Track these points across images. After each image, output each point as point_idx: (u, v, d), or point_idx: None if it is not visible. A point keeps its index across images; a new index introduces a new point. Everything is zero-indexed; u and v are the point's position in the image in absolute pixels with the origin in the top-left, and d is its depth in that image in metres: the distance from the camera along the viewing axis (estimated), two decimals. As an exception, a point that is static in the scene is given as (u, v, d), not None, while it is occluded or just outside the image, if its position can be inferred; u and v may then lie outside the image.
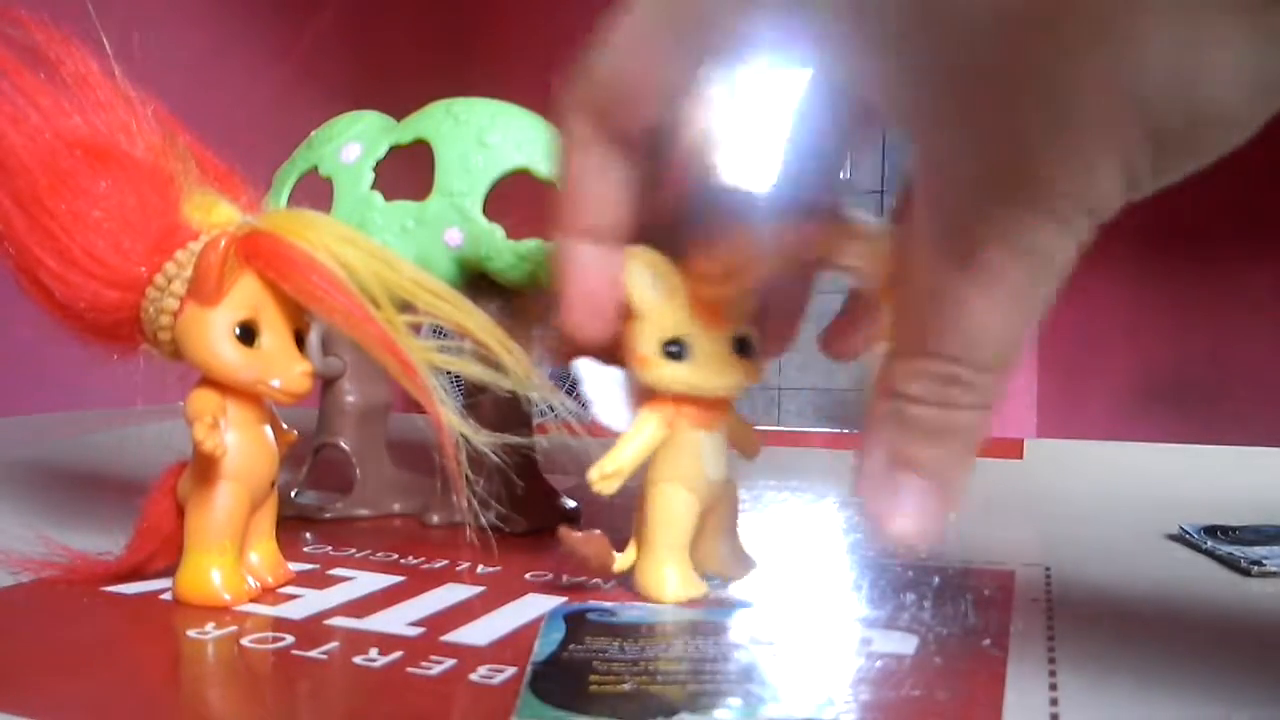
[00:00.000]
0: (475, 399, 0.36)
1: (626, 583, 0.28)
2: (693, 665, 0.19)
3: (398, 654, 0.22)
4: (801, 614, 0.26)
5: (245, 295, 0.25)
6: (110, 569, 0.27)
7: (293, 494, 0.38)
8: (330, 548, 0.32)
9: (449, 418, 0.23)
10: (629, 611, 0.23)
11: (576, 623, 0.22)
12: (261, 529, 0.27)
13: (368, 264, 0.24)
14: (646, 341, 0.25)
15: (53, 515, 0.37)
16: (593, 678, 0.19)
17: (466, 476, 0.23)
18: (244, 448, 0.26)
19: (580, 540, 0.26)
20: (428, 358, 0.23)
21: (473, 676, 0.20)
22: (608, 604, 0.25)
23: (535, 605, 0.26)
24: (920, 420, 0.20)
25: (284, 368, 0.25)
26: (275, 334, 0.25)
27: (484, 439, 0.23)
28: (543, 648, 0.20)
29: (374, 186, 0.37)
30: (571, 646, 0.20)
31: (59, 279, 0.24)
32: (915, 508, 0.20)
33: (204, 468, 0.25)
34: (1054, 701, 0.20)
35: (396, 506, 0.38)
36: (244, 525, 0.26)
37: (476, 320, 0.24)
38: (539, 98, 0.43)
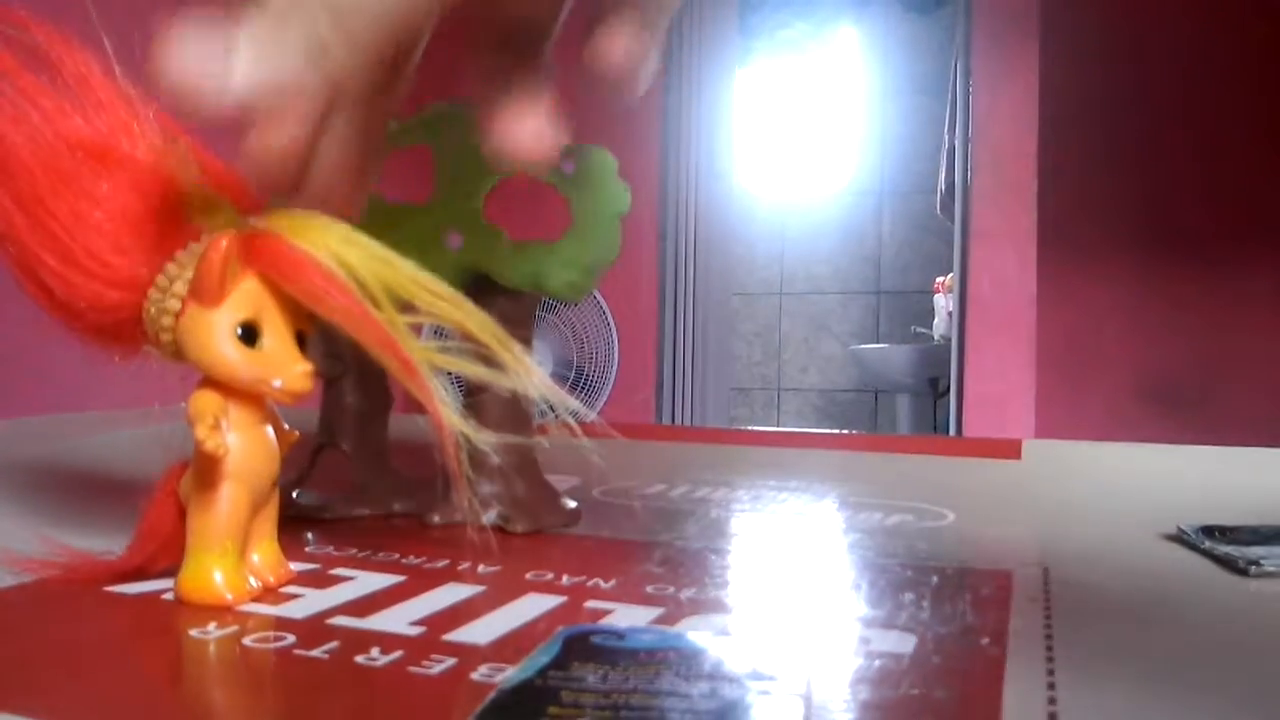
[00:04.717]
0: (476, 399, 0.36)
1: (629, 586, 0.29)
2: (668, 702, 0.19)
3: (399, 653, 0.22)
4: (801, 615, 0.27)
5: (247, 296, 0.25)
6: (112, 569, 0.27)
7: (294, 494, 0.38)
8: (332, 547, 0.32)
9: (450, 418, 0.23)
10: (641, 636, 0.22)
11: (575, 645, 0.21)
12: (263, 529, 0.27)
13: (369, 265, 0.24)
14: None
15: (56, 515, 0.37)
16: (551, 709, 0.18)
17: (467, 477, 0.23)
18: (245, 448, 0.26)
19: None
20: (429, 358, 0.23)
21: (474, 676, 0.20)
22: (620, 626, 0.24)
23: (536, 605, 0.26)
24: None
25: (285, 368, 0.25)
26: (276, 334, 0.25)
27: (485, 439, 0.23)
28: (520, 672, 0.20)
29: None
30: (551, 673, 0.20)
31: (60, 279, 0.24)
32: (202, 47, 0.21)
33: (205, 468, 0.25)
34: (1052, 701, 0.20)
35: (397, 506, 0.38)
36: (246, 525, 0.26)
37: (477, 320, 0.24)
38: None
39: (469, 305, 0.24)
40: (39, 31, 0.25)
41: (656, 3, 0.25)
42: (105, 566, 0.27)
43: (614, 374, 2.31)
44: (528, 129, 0.25)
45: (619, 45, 0.24)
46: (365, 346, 0.24)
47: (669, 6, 0.26)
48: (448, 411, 0.23)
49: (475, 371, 0.23)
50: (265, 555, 0.27)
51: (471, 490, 0.25)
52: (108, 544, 0.29)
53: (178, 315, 0.25)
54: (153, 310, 0.25)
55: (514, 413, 0.37)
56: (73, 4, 0.27)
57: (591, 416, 0.24)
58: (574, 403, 0.23)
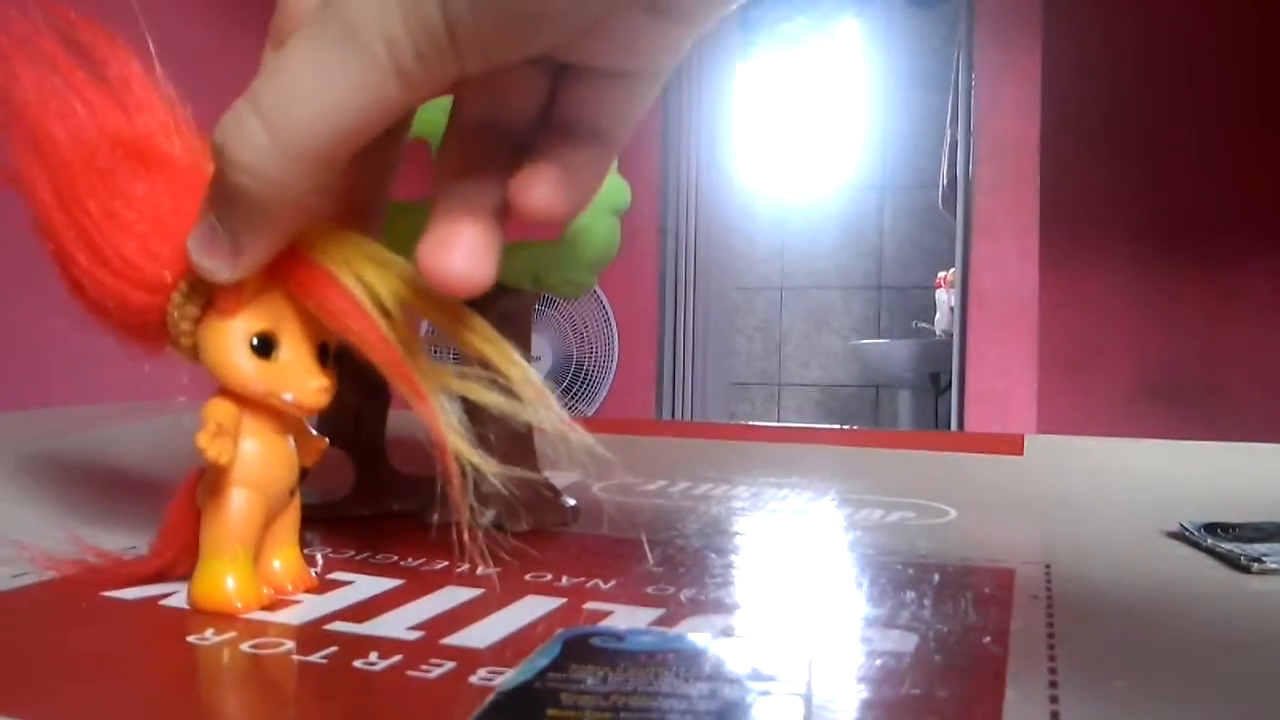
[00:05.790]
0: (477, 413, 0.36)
1: (629, 586, 0.28)
2: (668, 703, 0.19)
3: (397, 657, 0.22)
4: (801, 614, 0.26)
5: (266, 307, 0.24)
6: (134, 572, 0.27)
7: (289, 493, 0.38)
8: (330, 549, 0.32)
9: (459, 446, 0.22)
10: (640, 637, 0.22)
11: (574, 647, 0.21)
12: (283, 537, 0.27)
13: (389, 284, 0.23)
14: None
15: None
16: (550, 711, 0.18)
17: (465, 484, 0.23)
18: (260, 455, 0.25)
19: None
20: (443, 381, 0.23)
21: (472, 679, 0.20)
22: (619, 628, 0.24)
23: (535, 607, 0.26)
24: (216, 168, 0.22)
25: (299, 382, 0.25)
26: (295, 346, 0.25)
27: (495, 470, 0.22)
28: (519, 674, 0.20)
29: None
30: (550, 675, 0.20)
31: (91, 278, 0.25)
32: (205, 247, 0.23)
33: (217, 474, 0.25)
34: (1054, 699, 0.20)
35: (395, 506, 0.38)
36: (259, 532, 0.26)
37: (503, 352, 0.23)
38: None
39: (492, 333, 0.24)
40: (85, 30, 0.25)
41: (610, 127, 0.23)
42: (129, 569, 0.27)
43: (614, 369, 2.31)
44: (458, 255, 0.22)
45: (536, 192, 0.22)
46: (379, 369, 0.23)
47: (622, 132, 0.23)
48: (456, 439, 0.22)
49: (491, 400, 0.23)
50: (287, 562, 0.27)
51: (470, 501, 0.24)
52: (131, 540, 0.29)
53: (197, 321, 0.25)
54: (175, 315, 0.25)
55: (517, 433, 0.36)
56: (119, 5, 0.27)
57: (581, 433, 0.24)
58: (586, 437, 0.23)
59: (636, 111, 0.23)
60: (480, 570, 0.30)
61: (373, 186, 0.26)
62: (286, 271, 0.24)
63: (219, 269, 0.23)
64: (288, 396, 0.25)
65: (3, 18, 0.25)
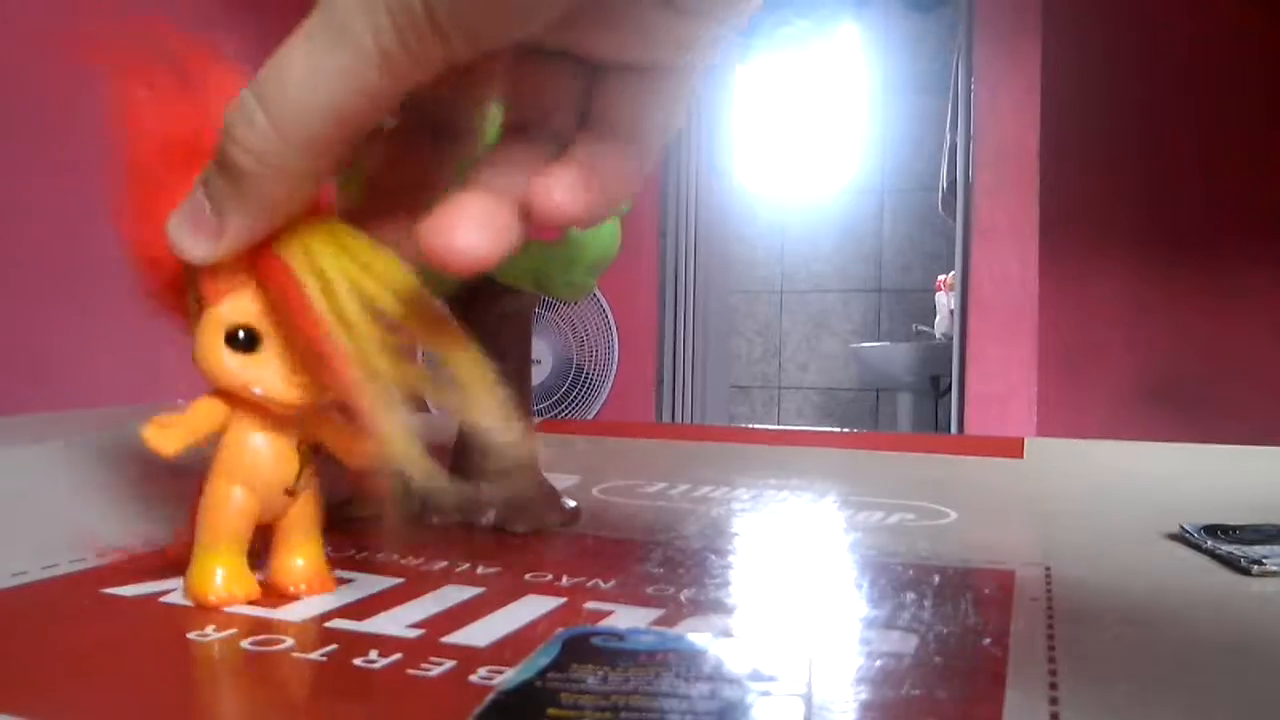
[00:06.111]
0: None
1: (629, 586, 0.28)
2: (668, 703, 0.18)
3: (397, 656, 0.22)
4: (802, 614, 0.26)
5: (253, 301, 0.24)
6: (165, 560, 0.27)
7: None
8: (330, 548, 0.32)
9: (407, 453, 0.22)
10: (641, 637, 0.22)
11: (575, 647, 0.21)
12: (303, 534, 0.27)
13: (346, 270, 0.23)
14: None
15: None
16: (551, 711, 0.18)
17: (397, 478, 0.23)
18: (250, 451, 0.25)
19: None
20: (388, 374, 0.22)
21: (472, 678, 0.20)
22: (620, 628, 0.24)
23: (535, 606, 0.26)
24: (218, 147, 0.22)
25: (273, 377, 0.24)
26: (285, 343, 0.25)
27: (441, 485, 0.22)
28: (519, 674, 0.20)
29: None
30: (550, 674, 0.20)
31: (140, 275, 0.26)
32: (188, 224, 0.23)
33: (210, 470, 0.25)
34: (1054, 701, 0.20)
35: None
36: (249, 526, 0.26)
37: (462, 348, 0.23)
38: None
39: (459, 331, 0.23)
40: (180, 44, 0.26)
41: (637, 125, 0.22)
42: (150, 563, 0.28)
43: (614, 372, 2.31)
44: (463, 229, 0.21)
45: (558, 195, 0.21)
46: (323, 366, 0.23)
47: (650, 131, 0.22)
48: (405, 446, 0.22)
49: (443, 400, 0.23)
50: (310, 561, 0.27)
51: (440, 499, 0.24)
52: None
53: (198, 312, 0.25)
54: (190, 303, 0.25)
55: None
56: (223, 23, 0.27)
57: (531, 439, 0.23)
58: (532, 445, 0.22)
59: (663, 110, 0.23)
60: (480, 569, 0.30)
61: (411, 181, 0.25)
62: (251, 259, 0.24)
63: (195, 246, 0.23)
64: (256, 391, 0.24)
65: (96, 30, 0.25)
